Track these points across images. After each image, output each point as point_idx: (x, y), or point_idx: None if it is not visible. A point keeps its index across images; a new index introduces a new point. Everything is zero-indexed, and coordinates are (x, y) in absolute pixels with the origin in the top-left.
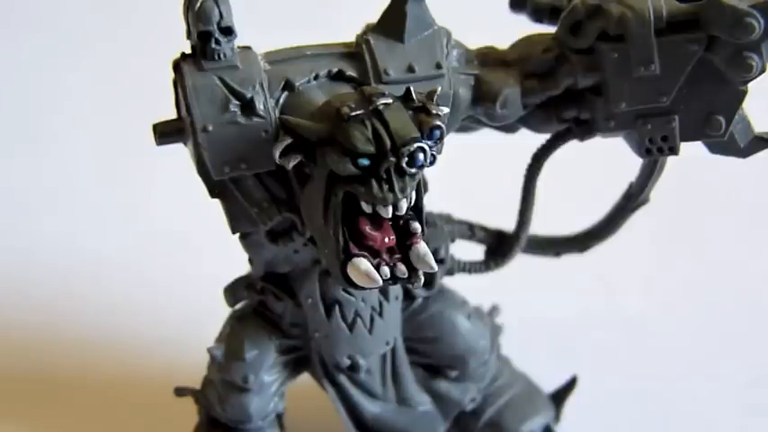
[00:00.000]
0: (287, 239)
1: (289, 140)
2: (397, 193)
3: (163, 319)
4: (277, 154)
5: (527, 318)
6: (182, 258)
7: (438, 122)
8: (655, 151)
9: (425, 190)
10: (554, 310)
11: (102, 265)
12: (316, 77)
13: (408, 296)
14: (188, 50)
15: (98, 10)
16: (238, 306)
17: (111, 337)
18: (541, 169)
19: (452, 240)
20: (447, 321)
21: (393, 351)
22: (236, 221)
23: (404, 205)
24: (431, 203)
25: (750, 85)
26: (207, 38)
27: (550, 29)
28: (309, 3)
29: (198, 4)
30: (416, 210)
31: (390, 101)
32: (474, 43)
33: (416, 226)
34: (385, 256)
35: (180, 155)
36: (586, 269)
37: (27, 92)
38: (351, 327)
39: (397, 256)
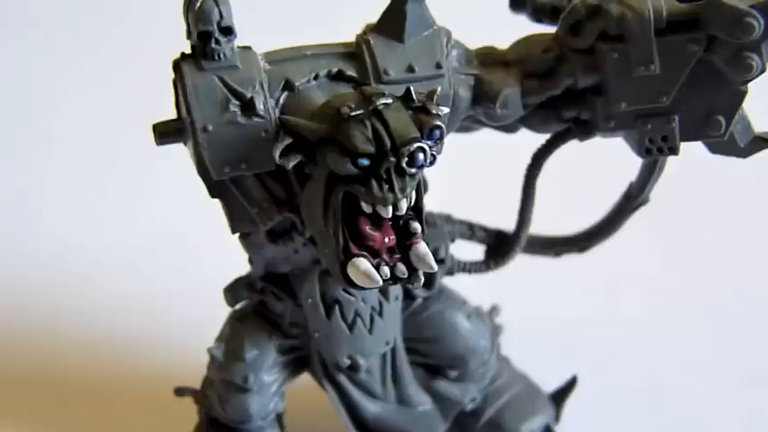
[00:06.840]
0: (287, 239)
1: (289, 140)
2: (397, 193)
3: (163, 319)
4: (277, 154)
5: (527, 318)
6: (182, 258)
7: (438, 122)
8: (655, 151)
9: (425, 190)
10: (554, 310)
11: (101, 265)
12: (316, 77)
13: (408, 296)
14: (188, 50)
15: (97, 10)
16: (238, 306)
17: (111, 337)
18: (541, 169)
19: (452, 240)
20: (447, 321)
21: (393, 351)
22: (236, 221)
23: (404, 205)
24: (431, 203)
25: (750, 85)
26: (207, 38)
27: (550, 29)
28: (309, 3)
29: (198, 4)
30: (416, 210)
31: (390, 101)
32: (474, 43)
33: (416, 226)
34: (385, 256)
35: (180, 155)
36: (586, 269)
37: (27, 92)
38: (351, 327)
39: (397, 256)
